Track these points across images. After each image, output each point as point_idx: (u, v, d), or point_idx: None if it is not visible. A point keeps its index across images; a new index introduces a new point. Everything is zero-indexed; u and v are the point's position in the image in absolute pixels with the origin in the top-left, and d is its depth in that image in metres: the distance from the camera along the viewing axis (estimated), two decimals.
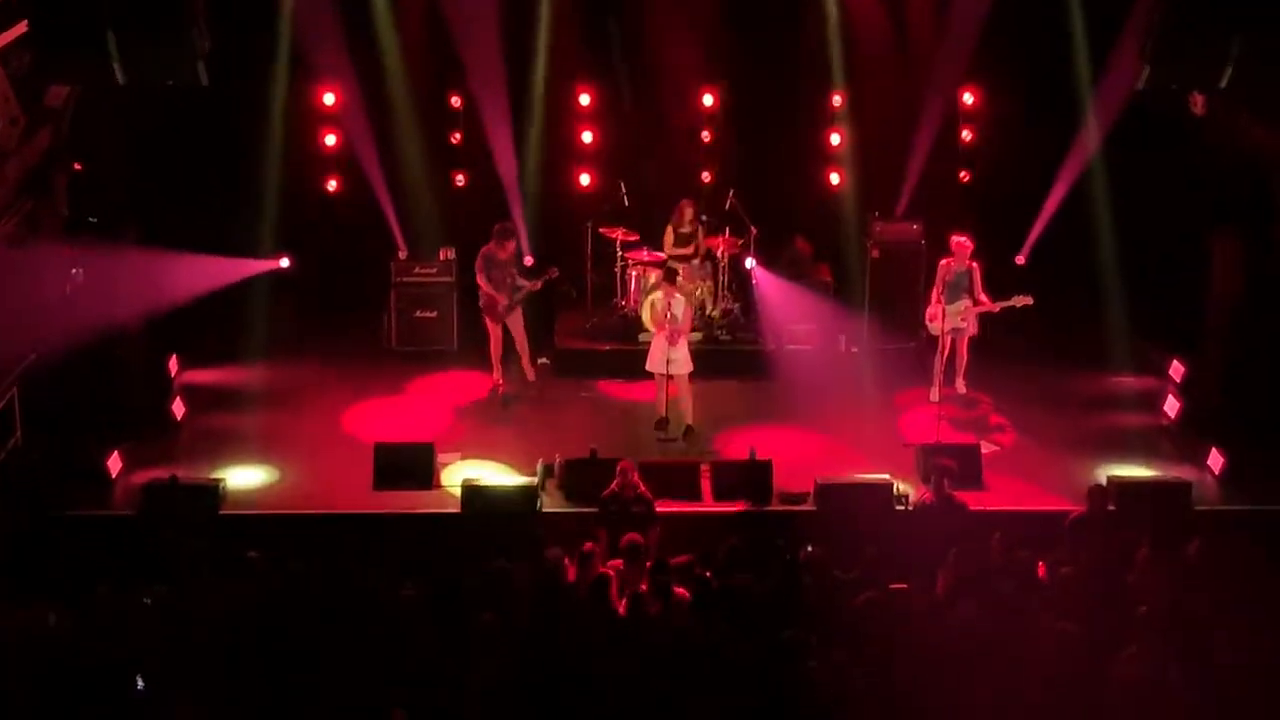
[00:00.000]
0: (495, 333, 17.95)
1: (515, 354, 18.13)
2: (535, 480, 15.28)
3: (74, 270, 16.63)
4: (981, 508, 14.56)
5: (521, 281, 17.76)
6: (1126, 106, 17.70)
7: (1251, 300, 17.25)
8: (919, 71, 19.43)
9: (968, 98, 19.60)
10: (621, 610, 11.83)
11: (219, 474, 15.64)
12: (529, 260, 18.98)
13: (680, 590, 12.09)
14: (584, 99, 19.92)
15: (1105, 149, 18.67)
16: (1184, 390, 17.86)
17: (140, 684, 10.39)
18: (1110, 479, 15.29)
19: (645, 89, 19.93)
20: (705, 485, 15.57)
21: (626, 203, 19.41)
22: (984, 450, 16.13)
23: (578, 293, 19.73)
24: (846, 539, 13.20)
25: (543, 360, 18.58)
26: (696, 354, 17.24)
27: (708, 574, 12.44)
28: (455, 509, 15.02)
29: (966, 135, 19.80)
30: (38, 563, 13.07)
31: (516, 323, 17.97)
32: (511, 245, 17.77)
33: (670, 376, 16.70)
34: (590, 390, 18.36)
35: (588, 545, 12.99)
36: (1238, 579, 12.51)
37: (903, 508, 14.97)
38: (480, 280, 17.70)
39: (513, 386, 18.15)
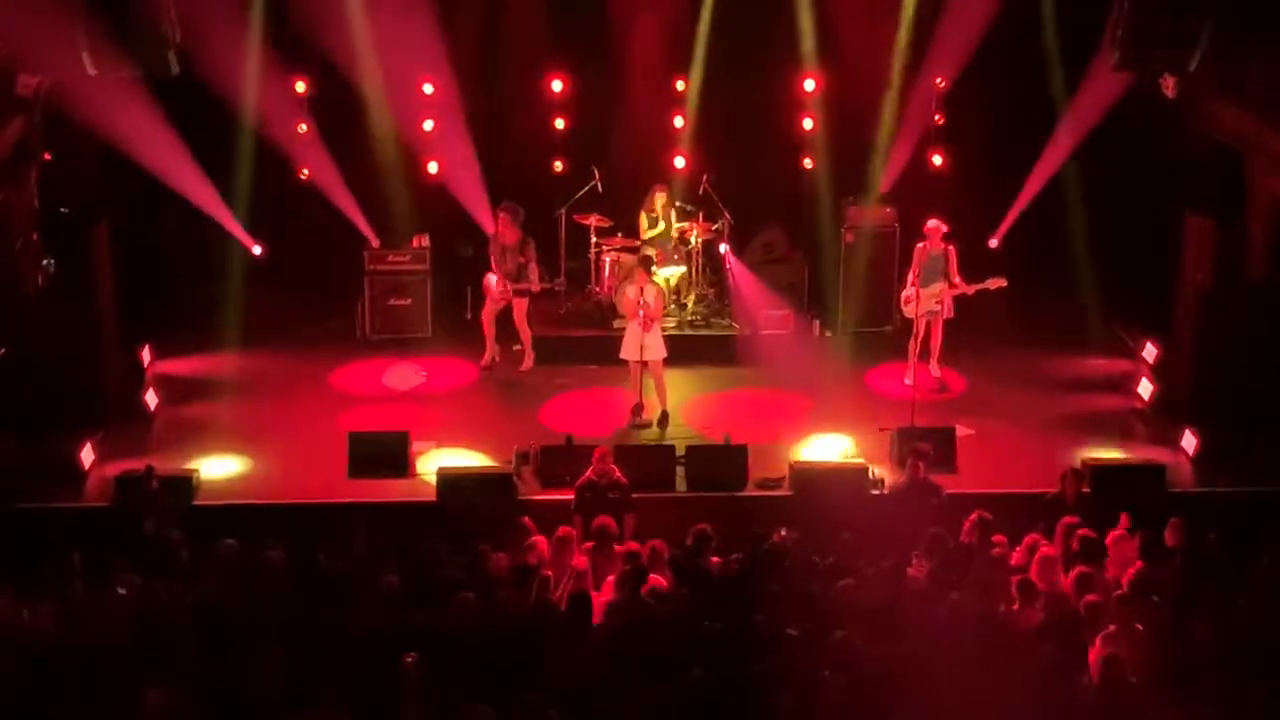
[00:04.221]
0: (488, 309, 18.16)
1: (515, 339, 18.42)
2: (511, 467, 15.27)
3: (46, 261, 16.57)
4: (956, 491, 14.58)
5: (530, 275, 17.93)
6: (1109, 98, 17.80)
7: (1222, 282, 17.27)
8: (891, 55, 19.40)
9: (939, 81, 19.55)
10: (597, 599, 11.83)
11: (193, 464, 15.56)
12: None
13: (655, 577, 12.10)
14: (556, 85, 19.87)
15: (1078, 131, 18.69)
16: (1158, 373, 17.91)
17: None
18: (1085, 462, 15.33)
19: (618, 75, 19.89)
20: (681, 471, 15.54)
21: (600, 189, 19.39)
22: (959, 433, 16.15)
23: (552, 280, 19.71)
24: (822, 524, 13.22)
25: (517, 347, 18.57)
26: (671, 340, 17.26)
27: (681, 559, 12.45)
28: (431, 497, 14.99)
29: (938, 119, 19.78)
30: (10, 555, 13.00)
31: (520, 313, 18.15)
32: (508, 228, 17.86)
33: (645, 363, 16.70)
34: (566, 377, 18.32)
35: (562, 530, 13.02)
36: (1212, 559, 12.60)
37: (878, 491, 14.99)
38: (490, 258, 18.04)
39: (499, 366, 18.27)
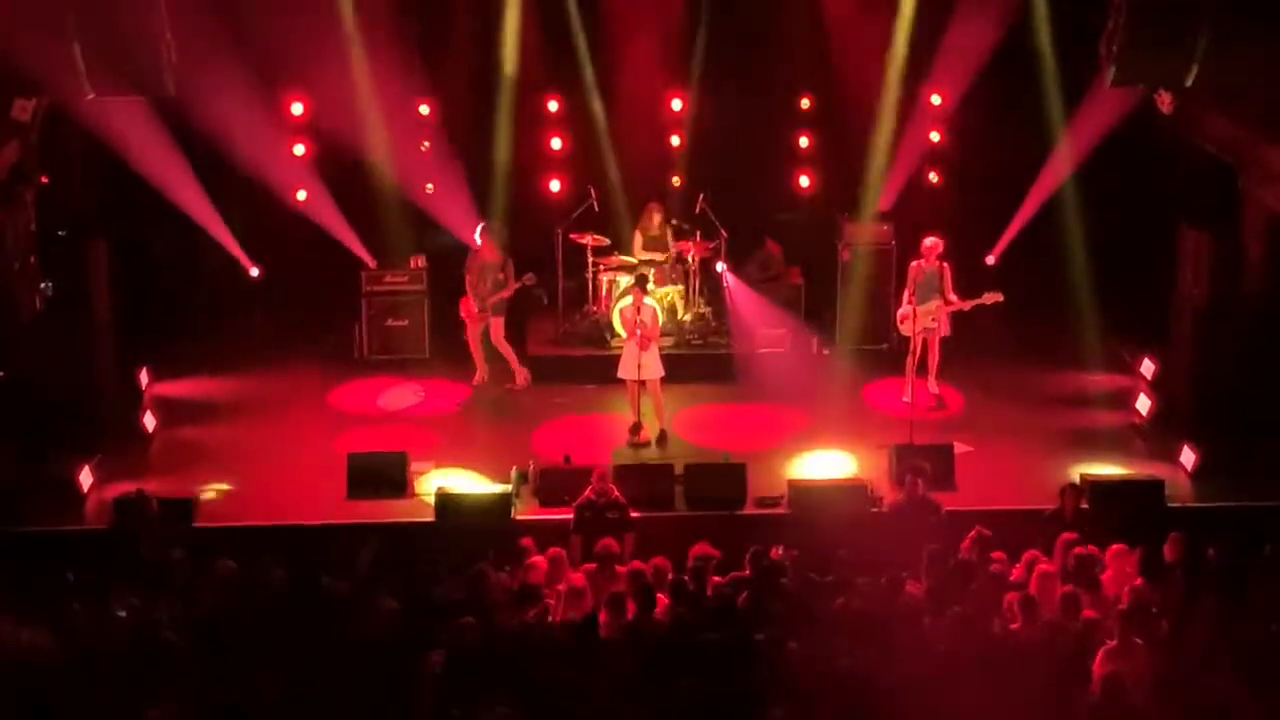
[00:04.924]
0: (471, 330, 18.21)
1: (500, 359, 18.41)
2: (509, 488, 15.24)
3: (43, 284, 16.57)
4: (955, 508, 14.57)
5: (507, 286, 17.96)
6: (1107, 114, 17.82)
7: (1219, 296, 17.28)
8: (888, 72, 19.41)
9: (935, 99, 19.57)
10: (602, 618, 11.82)
11: (191, 486, 15.56)
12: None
13: (659, 596, 12.08)
14: (552, 105, 19.90)
15: (1075, 147, 18.70)
16: (1156, 388, 17.91)
17: None
18: (1084, 477, 15.31)
19: (614, 94, 19.91)
20: (679, 490, 15.53)
21: (596, 208, 19.39)
22: (957, 450, 16.14)
23: (549, 299, 19.70)
24: (821, 541, 13.20)
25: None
26: (669, 358, 17.27)
27: (684, 578, 12.42)
28: (429, 518, 14.96)
29: (935, 136, 19.81)
30: (9, 578, 12.97)
31: (497, 333, 18.14)
32: (488, 247, 17.94)
33: (642, 382, 16.70)
34: (564, 397, 18.31)
35: (552, 550, 13.01)
36: (1212, 574, 12.58)
37: (877, 509, 14.98)
38: (466, 278, 18.13)
39: (490, 386, 18.32)
